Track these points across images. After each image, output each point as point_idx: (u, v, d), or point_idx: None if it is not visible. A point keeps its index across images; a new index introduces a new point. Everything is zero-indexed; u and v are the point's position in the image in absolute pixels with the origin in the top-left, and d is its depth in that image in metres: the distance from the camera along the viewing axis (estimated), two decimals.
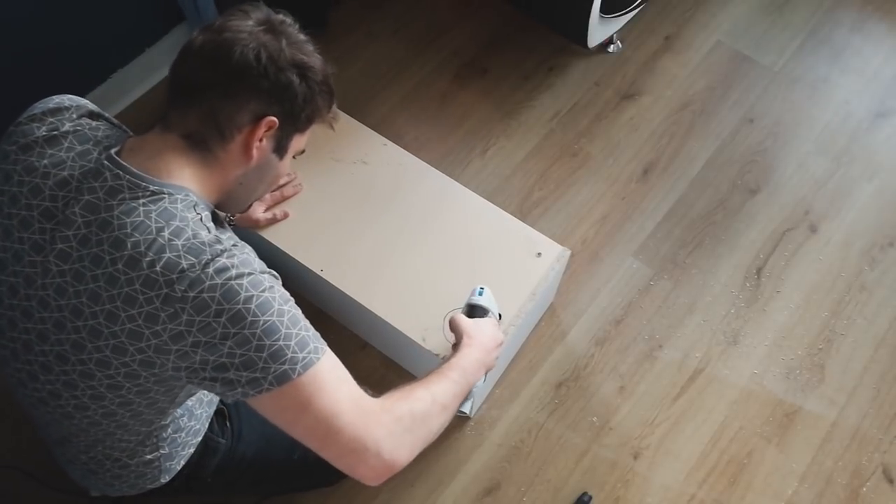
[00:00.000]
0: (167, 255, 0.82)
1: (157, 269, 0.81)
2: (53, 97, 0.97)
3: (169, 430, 1.04)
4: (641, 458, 1.56)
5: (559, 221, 1.82)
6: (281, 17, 0.94)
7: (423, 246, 1.48)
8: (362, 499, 1.50)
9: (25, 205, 0.88)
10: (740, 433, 1.58)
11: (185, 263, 0.82)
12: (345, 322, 1.65)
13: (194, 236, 0.84)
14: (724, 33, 2.13)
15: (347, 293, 1.43)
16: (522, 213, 1.81)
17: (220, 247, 0.84)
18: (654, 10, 2.16)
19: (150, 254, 0.82)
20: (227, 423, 1.19)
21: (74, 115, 0.94)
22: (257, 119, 0.90)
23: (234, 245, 0.87)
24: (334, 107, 1.00)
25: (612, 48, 2.09)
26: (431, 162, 1.61)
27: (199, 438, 1.12)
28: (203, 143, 0.90)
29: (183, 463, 1.11)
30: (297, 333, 0.85)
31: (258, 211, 1.46)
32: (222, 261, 0.83)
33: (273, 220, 1.47)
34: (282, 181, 1.45)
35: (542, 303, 1.61)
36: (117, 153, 0.89)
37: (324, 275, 1.44)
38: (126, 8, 1.82)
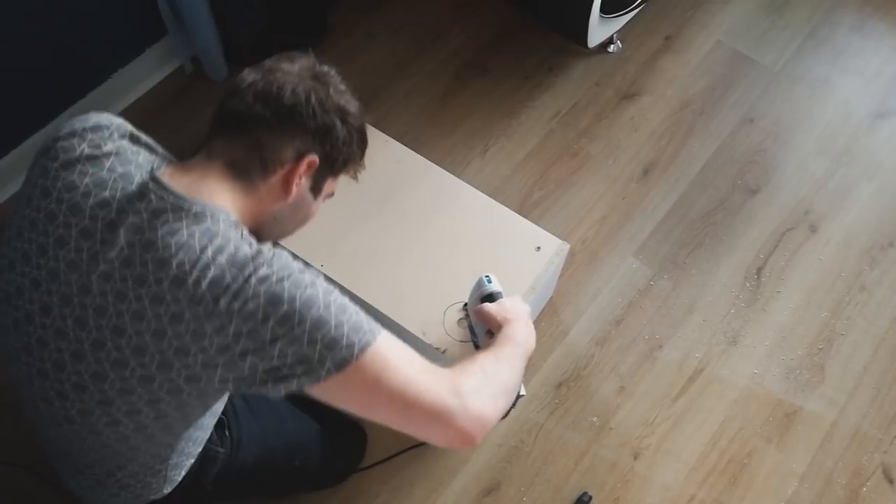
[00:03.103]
0: (211, 272, 0.83)
1: (203, 286, 0.82)
2: (91, 114, 0.97)
3: (182, 442, 1.04)
4: (641, 458, 1.56)
5: (559, 221, 1.82)
6: (326, 68, 0.99)
7: (423, 240, 1.49)
8: (363, 499, 1.50)
9: (63, 223, 0.88)
10: (740, 433, 1.58)
11: (228, 278, 0.83)
12: None
13: (236, 251, 0.85)
14: (724, 33, 2.13)
15: (348, 287, 1.44)
16: (522, 213, 1.79)
17: (261, 259, 0.85)
18: (654, 10, 2.16)
19: (195, 272, 0.83)
20: (227, 432, 1.18)
21: (116, 136, 0.95)
22: (300, 156, 0.94)
23: (273, 255, 0.88)
24: (364, 159, 1.05)
25: (612, 48, 2.09)
26: (432, 161, 1.61)
27: (201, 448, 1.12)
28: (246, 172, 0.92)
29: (184, 473, 1.11)
30: (349, 320, 0.86)
31: None
32: (263, 270, 0.84)
33: None
34: None
35: (542, 297, 1.61)
36: (160, 176, 0.90)
37: (324, 269, 1.45)
38: (126, 9, 1.82)
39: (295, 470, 1.28)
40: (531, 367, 1.64)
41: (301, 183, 0.96)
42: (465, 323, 1.38)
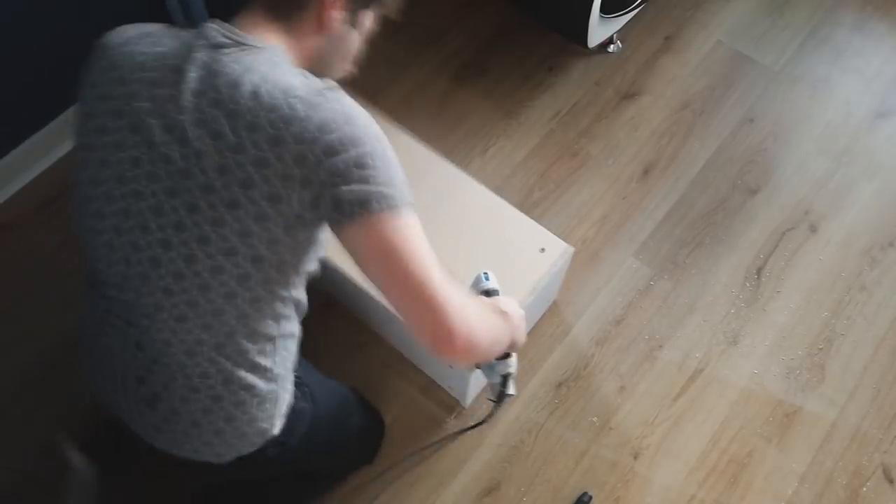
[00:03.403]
0: (285, 81, 0.88)
1: (277, 93, 0.86)
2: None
3: (279, 342, 1.00)
4: (641, 458, 1.56)
5: (559, 221, 1.82)
6: None
7: (427, 233, 1.49)
8: (363, 499, 1.50)
9: (132, 79, 0.92)
10: (740, 433, 1.58)
11: (302, 90, 0.88)
12: (348, 304, 1.67)
13: (303, 74, 0.91)
14: (724, 33, 2.13)
15: (348, 273, 1.45)
16: (523, 213, 1.81)
17: (330, 83, 0.91)
18: (654, 10, 2.16)
19: (268, 84, 0.87)
20: (305, 389, 1.15)
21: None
22: None
23: (340, 91, 0.92)
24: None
25: (612, 48, 2.09)
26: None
27: (291, 390, 1.07)
28: (284, 12, 0.96)
29: (285, 409, 1.07)
30: (402, 176, 0.91)
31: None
32: (337, 92, 0.90)
33: None
34: None
35: (543, 300, 1.61)
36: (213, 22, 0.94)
37: (329, 258, 1.45)
38: (126, 7, 1.82)
39: (353, 434, 1.29)
40: (531, 367, 1.64)
41: (336, 16, 0.98)
42: None
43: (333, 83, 0.92)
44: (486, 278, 1.26)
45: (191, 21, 1.91)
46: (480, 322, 0.94)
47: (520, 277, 1.45)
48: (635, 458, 1.56)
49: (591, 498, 1.51)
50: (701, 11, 2.18)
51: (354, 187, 0.87)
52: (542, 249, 1.48)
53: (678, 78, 2.05)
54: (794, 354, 1.67)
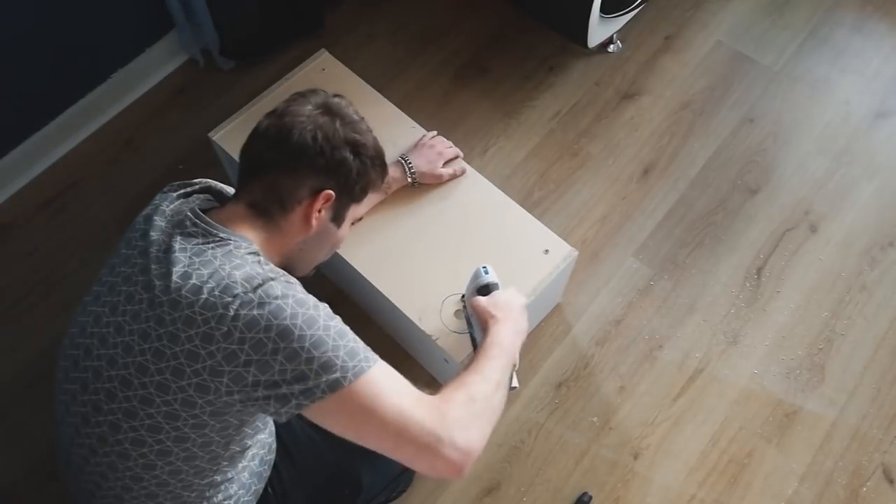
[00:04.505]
0: (226, 281, 0.90)
1: (216, 293, 0.89)
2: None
3: (220, 497, 1.04)
4: (641, 458, 1.56)
5: (559, 221, 1.82)
6: (337, 99, 1.04)
7: (433, 227, 1.51)
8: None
9: (120, 260, 0.99)
10: (740, 433, 1.58)
11: (239, 289, 0.89)
12: (353, 295, 1.69)
13: (251, 269, 0.92)
14: (724, 33, 2.13)
15: (351, 263, 1.46)
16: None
17: (271, 275, 0.92)
18: (654, 10, 2.16)
19: (211, 282, 0.90)
20: (269, 489, 1.18)
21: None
22: (315, 193, 1.00)
23: (284, 276, 0.94)
24: (388, 177, 1.11)
25: (612, 48, 2.09)
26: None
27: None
28: (266, 211, 1.00)
29: None
30: (346, 345, 0.91)
31: (439, 166, 1.53)
32: (272, 284, 0.91)
33: (454, 175, 1.55)
34: (449, 172, 1.55)
35: (545, 301, 1.61)
36: (198, 210, 0.98)
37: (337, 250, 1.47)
38: (125, 9, 1.82)
39: (348, 497, 1.29)
40: (531, 367, 1.65)
41: (321, 216, 1.03)
42: (463, 314, 1.39)
43: (281, 274, 0.94)
44: (486, 272, 1.27)
45: (193, 22, 1.91)
46: (470, 431, 0.93)
47: (522, 277, 1.45)
48: (635, 458, 1.56)
49: (591, 498, 1.51)
50: (701, 11, 2.18)
51: (295, 387, 0.88)
52: (547, 251, 1.48)
53: (678, 78, 2.06)
54: (794, 354, 1.67)
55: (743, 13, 2.17)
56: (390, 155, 1.53)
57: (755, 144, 1.95)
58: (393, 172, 1.48)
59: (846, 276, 1.76)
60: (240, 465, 1.05)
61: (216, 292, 0.88)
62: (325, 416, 0.91)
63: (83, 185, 1.89)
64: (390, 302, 1.43)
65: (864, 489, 1.53)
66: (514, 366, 1.19)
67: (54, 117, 1.85)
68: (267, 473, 1.15)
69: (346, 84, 1.67)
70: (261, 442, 1.09)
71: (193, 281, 0.90)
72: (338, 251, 1.46)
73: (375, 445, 0.92)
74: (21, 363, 1.67)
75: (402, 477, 1.45)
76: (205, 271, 0.90)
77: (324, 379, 0.88)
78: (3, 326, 1.71)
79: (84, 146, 1.94)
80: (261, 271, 0.92)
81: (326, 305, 0.95)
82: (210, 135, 1.61)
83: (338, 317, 0.94)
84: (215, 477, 1.01)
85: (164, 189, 1.06)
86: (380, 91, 1.68)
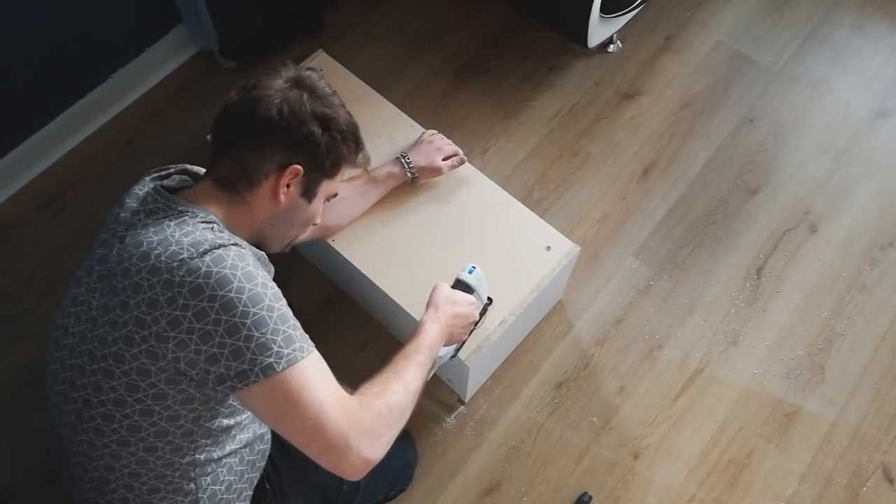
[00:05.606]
0: (172, 247, 0.90)
1: (163, 258, 0.90)
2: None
3: (209, 479, 1.04)
4: (641, 458, 1.56)
5: (559, 221, 1.82)
6: (309, 72, 1.03)
7: (434, 223, 1.51)
8: None
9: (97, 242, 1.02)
10: (740, 433, 1.58)
11: (185, 254, 0.90)
12: (353, 293, 1.68)
13: (200, 235, 0.92)
14: (724, 33, 2.13)
15: (349, 258, 1.46)
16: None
17: (219, 241, 0.92)
18: (654, 10, 2.16)
19: (159, 248, 0.91)
20: (267, 485, 1.18)
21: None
22: (282, 167, 0.99)
23: (235, 244, 0.94)
24: (365, 152, 1.09)
25: (612, 48, 2.09)
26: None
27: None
28: (232, 186, 1.00)
29: None
30: (285, 331, 0.90)
31: (437, 160, 1.52)
32: (219, 252, 0.90)
33: (453, 166, 1.55)
34: (448, 164, 1.54)
35: (547, 298, 1.61)
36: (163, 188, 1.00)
37: (335, 245, 1.48)
38: (125, 9, 1.82)
39: (347, 496, 1.29)
40: (531, 367, 1.65)
41: (290, 191, 1.01)
42: None
43: (232, 242, 0.93)
44: (470, 272, 1.27)
45: (197, 12, 1.91)
46: (377, 443, 0.94)
47: (522, 274, 1.45)
48: (635, 458, 1.56)
49: (591, 498, 1.51)
50: (701, 11, 2.18)
51: (232, 365, 0.88)
52: (548, 248, 1.49)
53: (678, 78, 2.05)
54: (794, 354, 1.67)
55: (743, 13, 2.17)
56: (390, 154, 1.55)
57: (755, 144, 1.95)
58: (392, 169, 1.48)
59: (846, 276, 1.76)
60: (227, 448, 1.05)
61: (162, 258, 0.89)
62: (250, 398, 0.91)
63: (83, 185, 1.89)
64: (391, 299, 1.43)
65: (864, 489, 1.53)
66: (463, 342, 1.24)
67: (54, 117, 1.85)
68: (261, 463, 1.14)
69: (344, 84, 1.67)
70: (246, 427, 1.07)
71: (143, 248, 0.91)
72: (338, 250, 1.46)
73: (288, 435, 0.92)
74: (21, 363, 1.67)
75: (401, 476, 1.45)
76: (155, 238, 0.92)
77: (258, 361, 0.88)
78: (3, 326, 1.71)
79: (84, 146, 1.94)
80: (210, 236, 0.92)
81: (275, 285, 0.95)
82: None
83: (283, 299, 0.94)
84: (197, 456, 1.00)
85: (143, 176, 1.06)
86: (380, 91, 1.68)
